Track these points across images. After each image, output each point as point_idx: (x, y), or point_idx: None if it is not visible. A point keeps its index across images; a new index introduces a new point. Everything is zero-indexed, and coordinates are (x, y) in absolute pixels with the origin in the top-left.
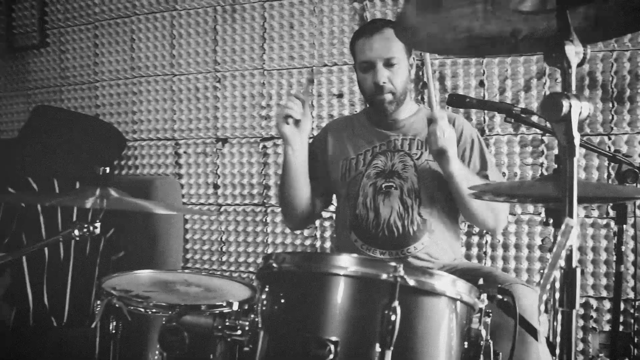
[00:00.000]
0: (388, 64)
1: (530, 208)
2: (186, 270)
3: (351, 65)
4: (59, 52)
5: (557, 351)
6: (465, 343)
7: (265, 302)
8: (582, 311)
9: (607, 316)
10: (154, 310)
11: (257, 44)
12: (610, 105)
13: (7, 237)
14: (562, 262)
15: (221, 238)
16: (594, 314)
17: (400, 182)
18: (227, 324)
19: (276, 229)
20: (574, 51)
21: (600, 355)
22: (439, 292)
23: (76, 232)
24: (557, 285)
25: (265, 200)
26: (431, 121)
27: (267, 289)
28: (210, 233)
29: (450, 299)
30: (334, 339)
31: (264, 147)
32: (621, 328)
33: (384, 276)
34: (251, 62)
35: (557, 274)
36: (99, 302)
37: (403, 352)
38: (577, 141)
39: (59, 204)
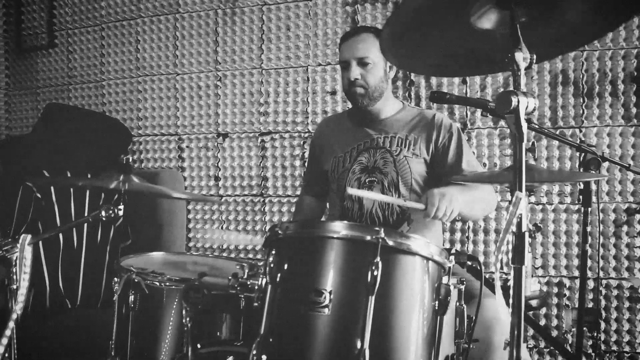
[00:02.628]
0: (361, 63)
1: (509, 196)
2: (194, 253)
3: None
4: (66, 53)
5: (511, 301)
6: (436, 304)
7: (272, 263)
8: (556, 290)
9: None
10: (167, 284)
11: (256, 44)
12: (581, 100)
13: (24, 226)
14: (514, 228)
15: (222, 227)
16: (567, 292)
17: (381, 177)
18: (241, 282)
19: (274, 218)
20: (522, 57)
21: (573, 330)
22: (414, 252)
23: (103, 213)
24: (510, 246)
25: (263, 191)
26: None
27: (273, 252)
28: (212, 222)
29: (424, 257)
30: (328, 288)
31: (262, 141)
32: (590, 304)
33: (368, 237)
34: (250, 62)
35: (509, 237)
36: (116, 279)
37: (384, 299)
38: (524, 129)
39: (89, 185)
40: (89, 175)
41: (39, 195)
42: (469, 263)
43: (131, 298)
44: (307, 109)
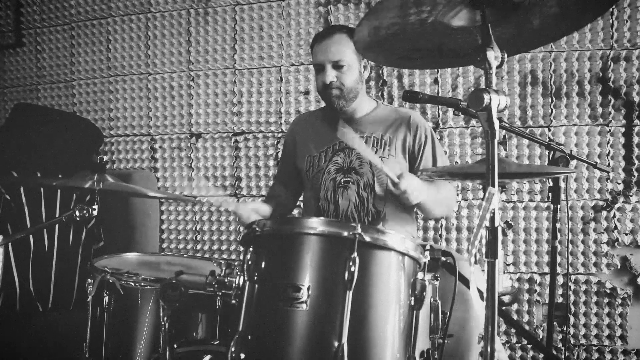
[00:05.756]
0: (336, 65)
1: (480, 194)
2: (168, 253)
3: None
4: (35, 52)
5: (485, 294)
6: (412, 299)
7: (249, 260)
8: (526, 286)
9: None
10: (142, 284)
11: (229, 44)
12: (550, 100)
13: None
14: (487, 223)
15: (195, 227)
16: (537, 288)
17: (357, 178)
18: (219, 280)
19: None
20: (493, 55)
21: (544, 325)
22: (390, 247)
23: (77, 212)
24: (484, 241)
25: (237, 191)
26: (395, 184)
27: (251, 249)
28: (185, 223)
29: (399, 252)
30: (306, 284)
31: (236, 141)
32: (560, 300)
33: (345, 233)
34: (223, 62)
35: (483, 232)
36: (90, 280)
37: (361, 294)
38: (496, 126)
39: (61, 185)
40: (60, 176)
41: (7, 196)
42: (443, 258)
43: (106, 299)
44: (281, 109)
